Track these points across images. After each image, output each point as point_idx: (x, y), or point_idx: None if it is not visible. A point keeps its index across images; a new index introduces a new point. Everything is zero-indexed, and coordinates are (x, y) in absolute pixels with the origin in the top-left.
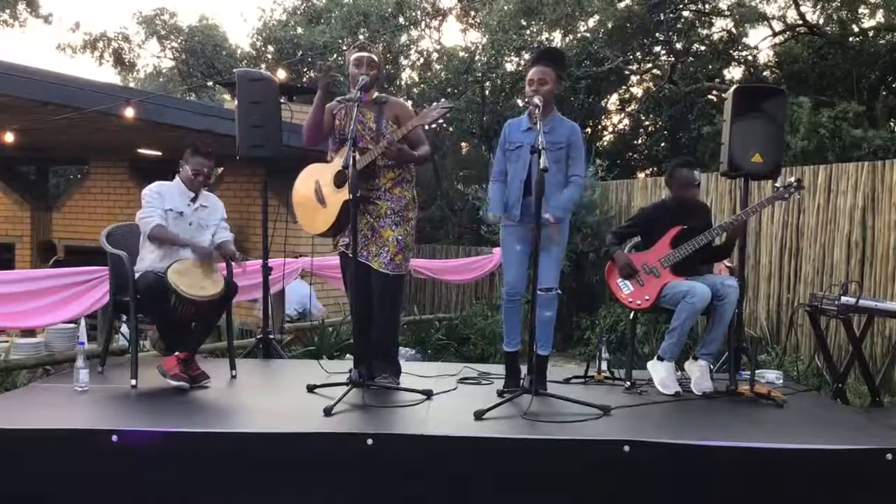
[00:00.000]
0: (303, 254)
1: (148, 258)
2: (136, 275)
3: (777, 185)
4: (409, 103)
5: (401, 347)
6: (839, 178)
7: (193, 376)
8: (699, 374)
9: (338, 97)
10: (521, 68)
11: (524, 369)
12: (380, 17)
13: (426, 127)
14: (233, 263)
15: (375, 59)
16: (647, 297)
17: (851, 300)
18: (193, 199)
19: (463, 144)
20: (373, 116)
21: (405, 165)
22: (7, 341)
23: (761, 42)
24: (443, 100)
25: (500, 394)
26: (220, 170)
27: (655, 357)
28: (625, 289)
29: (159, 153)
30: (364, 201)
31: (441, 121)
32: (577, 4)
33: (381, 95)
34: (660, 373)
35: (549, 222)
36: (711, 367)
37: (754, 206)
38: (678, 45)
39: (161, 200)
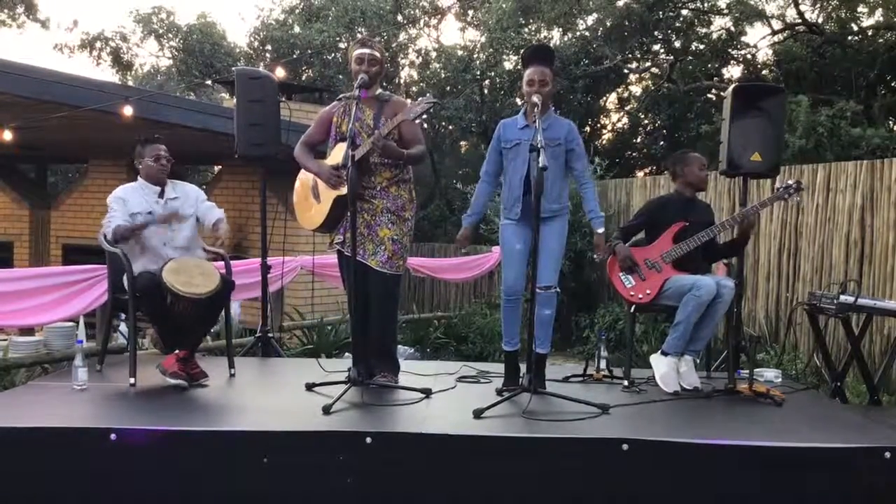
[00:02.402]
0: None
1: (140, 260)
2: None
3: (777, 185)
4: (409, 102)
5: (399, 346)
6: (838, 177)
7: (192, 374)
8: (686, 368)
9: (340, 95)
10: (518, 67)
11: (523, 368)
12: (377, 14)
13: (418, 121)
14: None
15: (378, 55)
16: (648, 291)
17: (850, 299)
18: (161, 194)
19: (462, 143)
20: (371, 114)
21: (402, 165)
22: (5, 340)
23: (760, 41)
24: (428, 94)
25: (499, 392)
26: (217, 168)
27: (660, 351)
28: (626, 282)
29: None
30: (358, 198)
31: (424, 116)
32: (575, 2)
33: (383, 93)
34: (662, 368)
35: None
36: (696, 361)
37: (754, 206)
38: (677, 44)
39: (124, 205)
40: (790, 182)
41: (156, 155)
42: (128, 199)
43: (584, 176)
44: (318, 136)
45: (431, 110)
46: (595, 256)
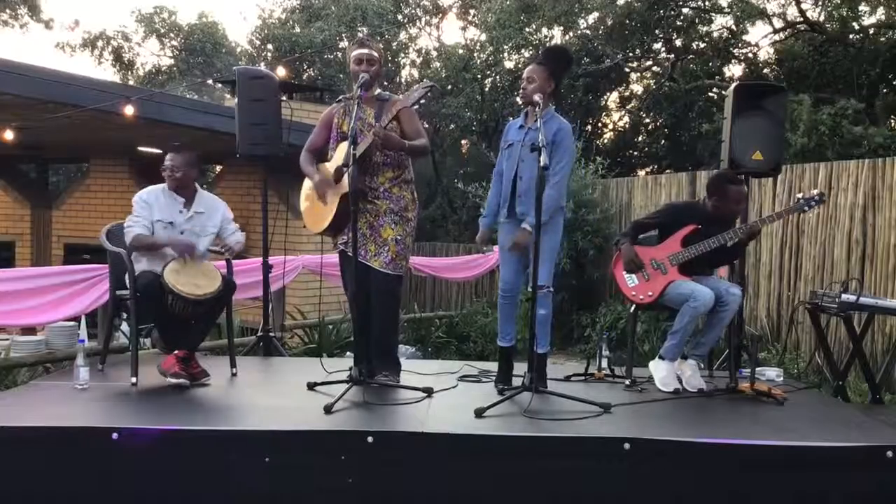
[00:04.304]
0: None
1: (143, 259)
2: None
3: (800, 195)
4: None
5: (401, 345)
6: (840, 176)
7: (193, 374)
8: (690, 372)
9: (340, 96)
10: (520, 66)
11: (518, 366)
12: (377, 13)
13: (416, 107)
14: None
15: (376, 55)
16: (650, 293)
17: (852, 298)
18: (187, 206)
19: (463, 142)
20: (373, 113)
21: (404, 166)
22: (7, 339)
23: (761, 39)
24: (424, 80)
25: (500, 391)
26: (219, 168)
27: (657, 357)
28: (630, 281)
29: (159, 151)
30: (361, 197)
31: (423, 101)
32: (576, 1)
33: (383, 93)
34: (661, 372)
35: (526, 231)
36: (701, 365)
37: (772, 215)
38: (678, 43)
39: (149, 210)
40: (815, 192)
41: (164, 166)
42: (153, 205)
43: (552, 173)
44: (321, 141)
45: (431, 98)
46: (483, 249)
